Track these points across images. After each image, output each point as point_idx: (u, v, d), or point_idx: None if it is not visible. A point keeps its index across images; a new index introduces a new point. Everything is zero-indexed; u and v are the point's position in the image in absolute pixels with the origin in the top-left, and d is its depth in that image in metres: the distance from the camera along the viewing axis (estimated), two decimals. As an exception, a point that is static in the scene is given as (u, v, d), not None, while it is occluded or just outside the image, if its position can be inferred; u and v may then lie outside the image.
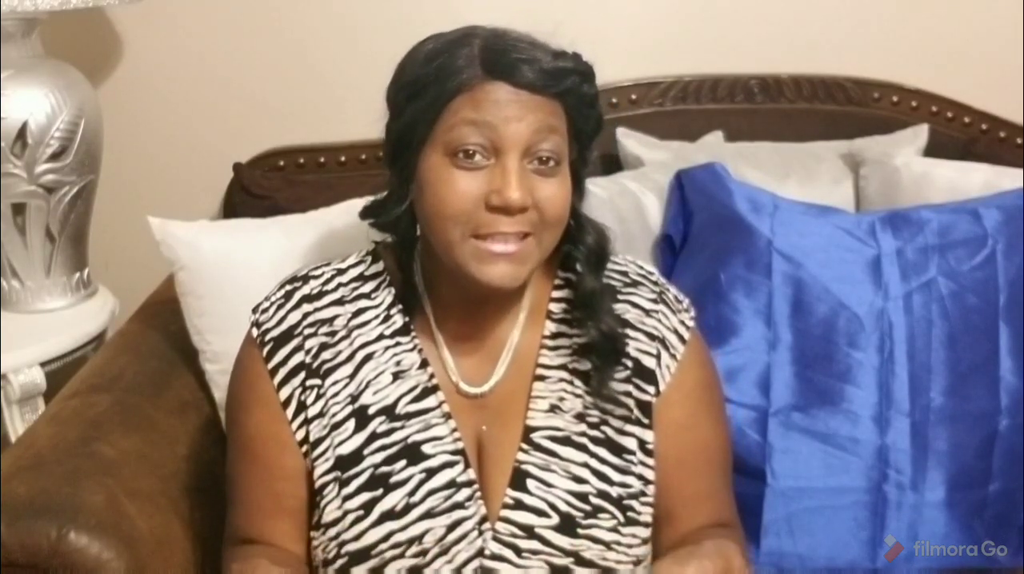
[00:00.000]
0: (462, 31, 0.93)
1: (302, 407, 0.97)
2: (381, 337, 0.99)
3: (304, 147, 1.71)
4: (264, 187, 1.63)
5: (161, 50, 1.74)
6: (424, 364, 0.99)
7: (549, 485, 0.96)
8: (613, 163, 1.63)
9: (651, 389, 1.00)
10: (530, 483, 0.96)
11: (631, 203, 1.46)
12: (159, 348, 1.29)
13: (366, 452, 0.95)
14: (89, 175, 1.59)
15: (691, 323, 1.05)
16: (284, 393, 0.97)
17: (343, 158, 1.71)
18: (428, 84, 0.91)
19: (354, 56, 1.72)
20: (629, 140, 1.65)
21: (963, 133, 1.79)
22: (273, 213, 1.43)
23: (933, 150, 1.66)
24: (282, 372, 0.98)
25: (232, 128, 1.75)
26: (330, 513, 0.95)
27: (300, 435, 0.97)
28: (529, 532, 0.94)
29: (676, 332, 1.03)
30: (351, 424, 0.96)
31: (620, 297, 1.03)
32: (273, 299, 1.01)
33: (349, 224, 1.30)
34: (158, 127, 1.77)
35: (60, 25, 1.64)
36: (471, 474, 0.95)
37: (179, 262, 1.25)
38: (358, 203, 1.34)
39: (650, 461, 0.99)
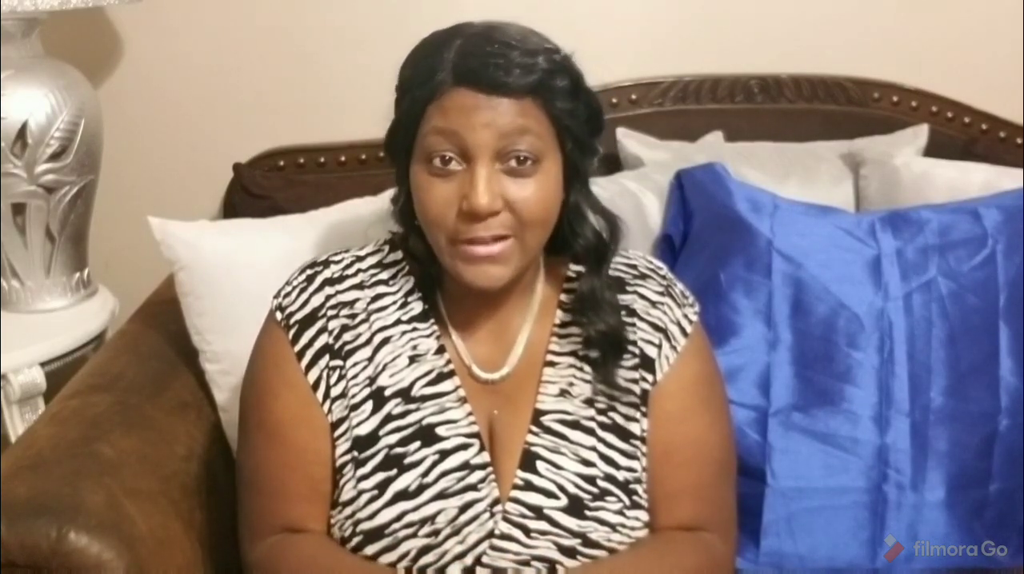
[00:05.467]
0: (450, 31, 0.94)
1: (328, 388, 0.99)
2: (398, 322, 1.01)
3: (304, 147, 1.71)
4: (264, 187, 1.63)
5: (161, 50, 1.74)
6: (441, 350, 1.00)
7: (558, 467, 0.98)
8: (613, 163, 1.63)
9: (650, 377, 1.02)
10: (540, 465, 0.97)
11: (631, 203, 1.46)
12: (159, 348, 1.29)
13: (381, 433, 0.97)
14: (89, 175, 1.59)
15: (695, 318, 1.06)
16: (312, 375, 0.99)
17: (343, 158, 1.71)
18: (407, 90, 0.94)
19: (354, 56, 1.72)
20: (629, 140, 1.65)
21: (963, 133, 1.79)
22: (273, 213, 1.43)
23: (933, 150, 1.66)
24: (309, 354, 0.99)
25: (232, 128, 1.75)
26: (347, 492, 0.97)
27: (331, 417, 0.98)
28: (538, 513, 0.96)
29: (679, 324, 1.04)
30: (368, 406, 0.98)
31: (628, 288, 1.05)
32: (295, 283, 1.02)
33: (349, 224, 1.30)
34: (158, 127, 1.77)
35: (60, 25, 1.64)
36: (485, 457, 0.97)
37: (179, 262, 1.25)
38: (358, 203, 1.36)
39: (644, 448, 1.01)
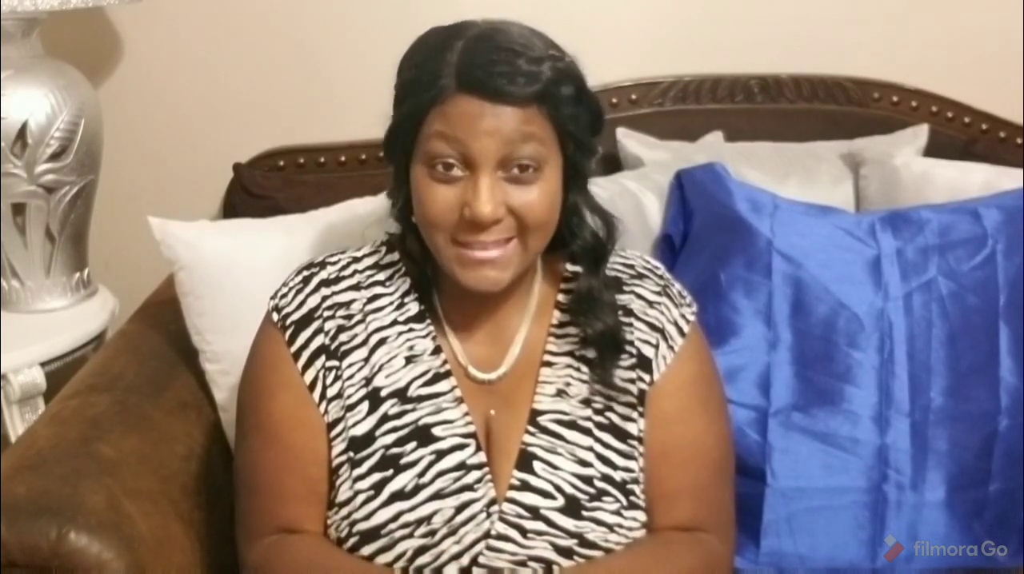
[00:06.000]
0: (451, 30, 0.93)
1: (325, 389, 0.99)
2: (395, 323, 1.01)
3: (304, 147, 1.71)
4: (264, 187, 1.63)
5: (161, 50, 1.74)
6: (437, 350, 1.00)
7: (555, 467, 0.98)
8: (613, 163, 1.63)
9: (647, 377, 1.02)
10: (536, 465, 0.97)
11: (631, 203, 1.46)
12: (159, 348, 1.29)
13: (378, 433, 0.97)
14: (89, 175, 1.59)
15: (692, 318, 1.06)
16: (309, 376, 0.99)
17: (343, 158, 1.71)
18: (408, 93, 0.93)
19: (354, 56, 1.73)
20: (629, 140, 1.65)
21: (963, 133, 1.79)
22: (273, 213, 1.43)
23: (933, 150, 1.66)
24: (305, 355, 0.99)
25: (232, 128, 1.75)
26: (343, 493, 0.97)
27: (327, 418, 0.98)
28: (535, 513, 0.96)
29: (676, 324, 1.04)
30: (364, 406, 0.98)
31: (625, 288, 1.05)
32: (292, 284, 1.02)
33: (349, 224, 1.30)
34: (158, 127, 1.77)
35: (60, 25, 1.64)
36: (482, 457, 0.97)
37: (179, 262, 1.25)
38: (358, 203, 1.36)
39: (642, 448, 1.01)
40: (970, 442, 1.27)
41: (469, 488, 0.96)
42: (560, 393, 1.00)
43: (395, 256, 1.05)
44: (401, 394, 0.98)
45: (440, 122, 0.90)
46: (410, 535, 0.94)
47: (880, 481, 1.25)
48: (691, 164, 1.49)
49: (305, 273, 1.03)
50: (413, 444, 0.97)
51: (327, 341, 0.99)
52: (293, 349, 0.99)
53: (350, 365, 0.99)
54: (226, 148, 1.70)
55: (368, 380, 0.99)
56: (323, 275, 1.02)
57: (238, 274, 1.25)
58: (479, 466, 0.97)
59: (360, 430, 0.97)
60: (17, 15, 1.46)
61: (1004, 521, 1.26)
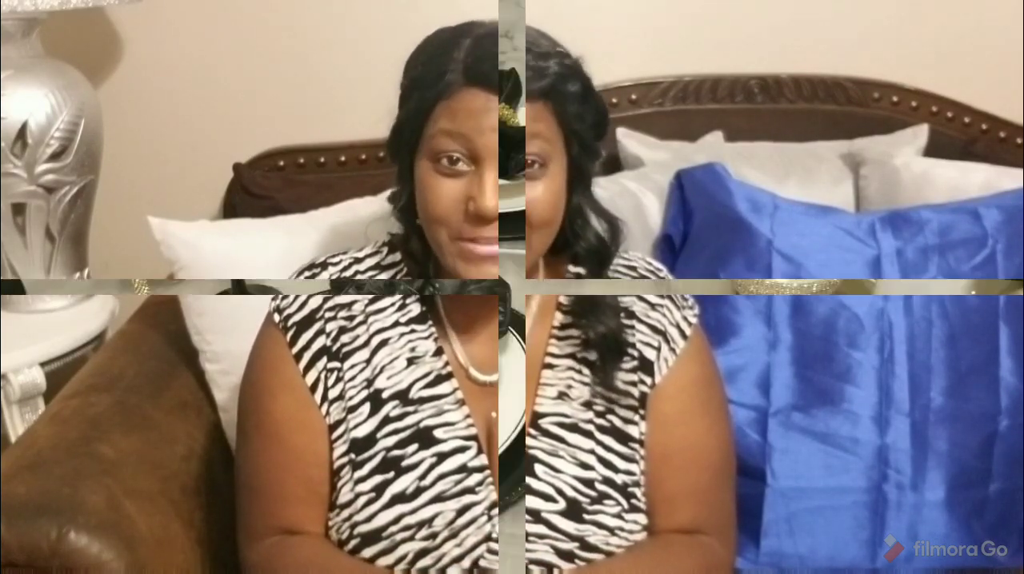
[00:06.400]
0: (459, 30, 0.93)
1: (326, 390, 0.99)
2: (396, 324, 1.01)
3: (304, 147, 1.71)
4: (264, 187, 1.63)
5: (161, 50, 1.74)
6: (439, 352, 1.00)
7: (556, 470, 0.97)
8: (613, 163, 1.63)
9: (649, 380, 1.02)
10: (538, 468, 0.97)
11: (631, 203, 1.46)
12: (159, 348, 1.29)
13: (379, 435, 0.97)
14: (89, 175, 1.59)
15: (694, 320, 1.06)
16: (310, 377, 0.99)
17: (343, 158, 1.71)
18: (415, 89, 0.93)
19: (354, 56, 1.72)
20: (629, 140, 1.65)
21: (963, 133, 1.79)
22: (273, 213, 1.43)
23: (933, 150, 1.66)
24: (307, 356, 0.99)
25: (232, 128, 1.75)
26: (344, 495, 0.97)
27: (329, 419, 0.98)
28: (536, 516, 0.96)
29: (678, 327, 1.04)
30: (366, 408, 0.98)
31: None
32: None
33: (349, 224, 1.30)
34: (158, 127, 1.77)
35: (60, 25, 1.64)
36: (483, 459, 0.97)
37: (179, 262, 1.25)
38: (358, 203, 1.36)
39: (643, 451, 1.01)
40: (970, 442, 1.27)
41: (470, 491, 0.95)
42: (562, 395, 1.00)
43: (397, 257, 1.04)
44: (402, 396, 0.98)
45: (446, 118, 0.90)
46: (411, 538, 0.94)
47: (880, 481, 1.25)
48: (691, 164, 1.49)
49: (307, 274, 1.03)
50: (414, 446, 0.96)
51: (328, 342, 0.99)
52: (294, 350, 0.99)
53: (352, 366, 0.99)
54: (226, 148, 1.69)
55: (370, 382, 0.99)
56: (324, 276, 1.02)
57: (238, 274, 1.24)
58: (480, 469, 0.97)
59: (361, 432, 0.97)
60: (17, 15, 1.45)
61: (1004, 521, 1.26)
